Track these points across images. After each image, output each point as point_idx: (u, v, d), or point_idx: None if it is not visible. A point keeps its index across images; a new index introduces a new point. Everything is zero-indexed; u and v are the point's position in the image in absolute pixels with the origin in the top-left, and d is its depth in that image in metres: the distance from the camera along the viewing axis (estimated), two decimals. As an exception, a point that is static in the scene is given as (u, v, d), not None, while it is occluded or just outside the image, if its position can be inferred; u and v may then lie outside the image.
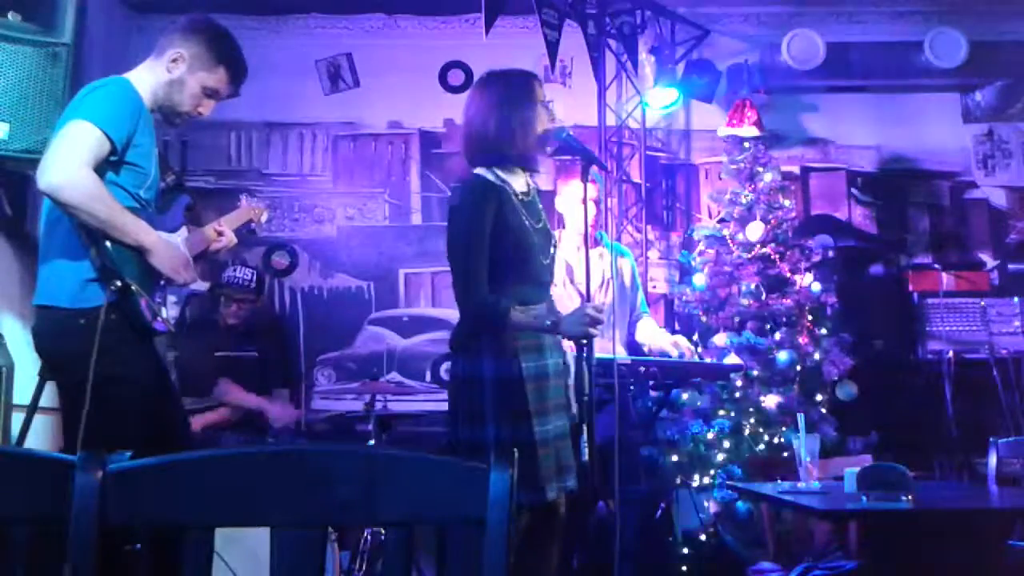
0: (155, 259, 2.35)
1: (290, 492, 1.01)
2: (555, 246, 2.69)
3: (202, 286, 2.69)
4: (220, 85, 2.52)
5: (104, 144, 2.25)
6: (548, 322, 2.50)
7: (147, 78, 2.48)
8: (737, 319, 4.69)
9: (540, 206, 2.68)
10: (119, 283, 2.23)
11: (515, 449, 2.38)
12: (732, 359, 4.42)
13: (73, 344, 2.22)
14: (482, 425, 2.46)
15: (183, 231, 2.57)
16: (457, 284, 2.54)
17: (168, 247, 2.40)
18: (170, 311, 2.48)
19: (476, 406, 2.48)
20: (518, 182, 2.61)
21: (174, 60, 2.46)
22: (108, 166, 2.30)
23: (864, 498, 2.52)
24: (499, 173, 2.57)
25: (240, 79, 2.57)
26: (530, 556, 2.55)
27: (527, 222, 2.56)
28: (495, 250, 2.50)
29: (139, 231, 2.31)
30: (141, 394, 2.35)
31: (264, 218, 3.05)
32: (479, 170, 2.59)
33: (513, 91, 2.58)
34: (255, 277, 4.30)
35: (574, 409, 2.58)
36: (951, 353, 4.92)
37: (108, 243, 2.25)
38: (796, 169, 5.59)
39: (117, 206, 2.27)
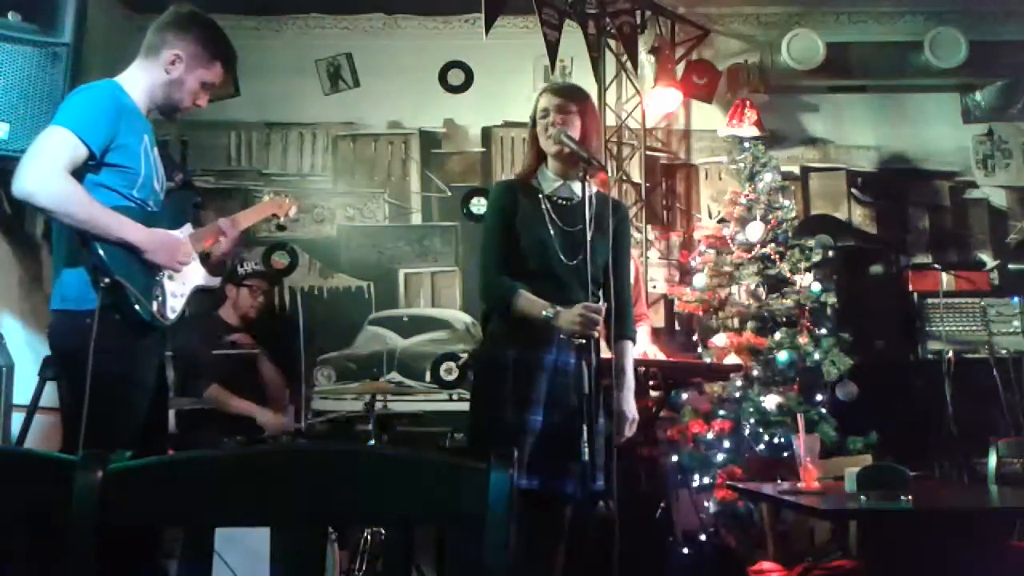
0: (149, 254, 2.37)
1: (290, 492, 1.01)
2: (590, 250, 2.67)
3: (213, 282, 2.68)
4: (216, 78, 2.57)
5: (79, 148, 2.27)
6: (544, 313, 2.54)
7: (142, 79, 2.48)
8: (737, 319, 4.69)
9: (587, 212, 2.61)
10: (108, 280, 2.25)
11: (490, 434, 2.49)
12: (732, 359, 4.42)
13: (80, 342, 2.23)
14: (473, 409, 2.71)
15: (188, 227, 2.58)
16: (479, 271, 2.78)
17: (157, 237, 2.41)
18: (170, 303, 2.48)
19: (473, 391, 2.76)
20: (551, 186, 2.77)
21: (172, 61, 2.47)
22: (89, 169, 2.32)
23: (864, 498, 2.52)
24: (539, 175, 2.80)
25: (233, 69, 2.63)
26: (534, 557, 2.56)
27: (549, 220, 2.70)
28: (513, 243, 2.69)
29: (123, 228, 2.32)
30: (141, 392, 2.36)
31: (293, 212, 3.04)
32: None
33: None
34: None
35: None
36: (951, 353, 4.92)
37: (98, 244, 2.27)
38: (796, 169, 5.59)
39: (97, 206, 2.28)
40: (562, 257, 2.67)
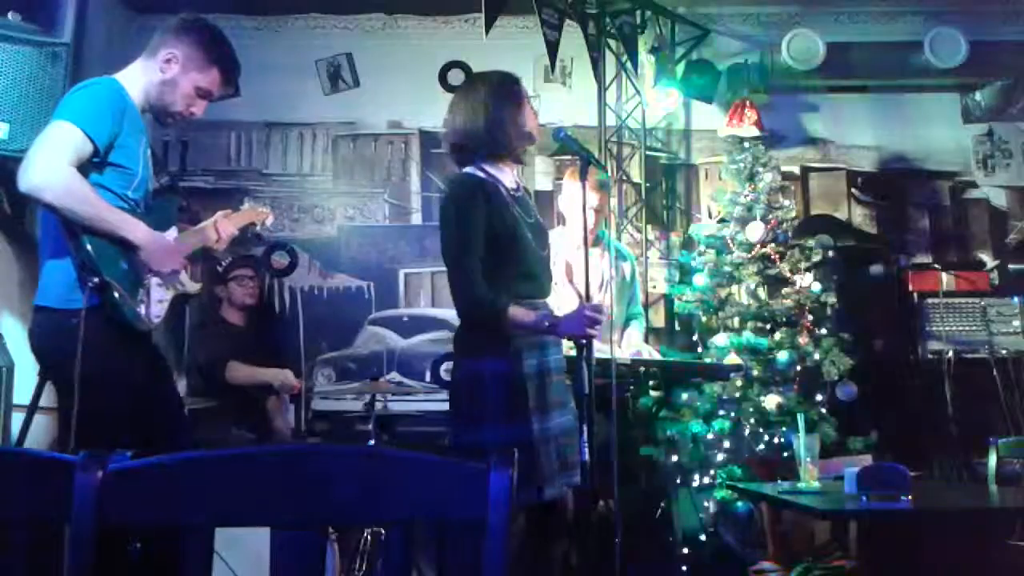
0: (145, 253, 2.36)
1: (290, 492, 1.01)
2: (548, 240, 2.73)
3: (193, 287, 2.67)
4: (212, 86, 2.53)
5: (85, 144, 2.25)
6: (547, 323, 2.50)
7: (139, 78, 2.47)
8: (737, 319, 4.69)
9: (531, 202, 2.72)
10: (96, 280, 2.23)
11: (515, 448, 2.45)
12: (732, 359, 4.42)
13: (65, 344, 2.20)
14: (482, 425, 2.47)
15: (173, 231, 2.57)
16: (452, 281, 2.55)
17: (158, 239, 2.40)
18: (154, 309, 2.47)
19: (477, 406, 2.49)
20: (507, 178, 2.64)
21: (167, 60, 2.46)
22: (91, 167, 2.30)
23: (864, 498, 2.52)
24: (488, 170, 2.60)
25: (233, 79, 2.59)
26: (533, 554, 2.56)
27: (520, 216, 2.59)
28: (490, 245, 2.52)
29: (127, 226, 2.31)
30: (130, 393, 2.33)
31: (269, 221, 3.05)
32: (468, 168, 2.62)
33: (499, 90, 2.61)
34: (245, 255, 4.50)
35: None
36: (951, 353, 4.92)
37: (87, 240, 2.25)
38: (796, 169, 5.59)
39: (102, 203, 2.27)
40: (538, 250, 2.63)
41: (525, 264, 2.58)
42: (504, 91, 2.60)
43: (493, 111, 2.56)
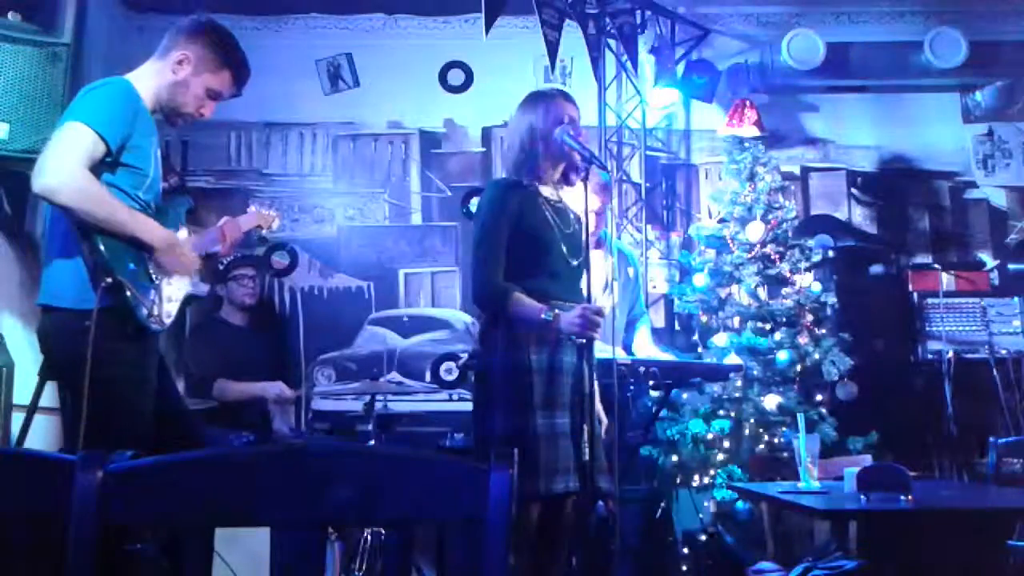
0: (160, 255, 2.36)
1: (290, 492, 1.01)
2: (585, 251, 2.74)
3: (202, 289, 2.68)
4: (224, 87, 2.54)
5: (98, 145, 2.25)
6: (544, 316, 2.52)
7: (150, 79, 2.47)
8: (737, 319, 4.69)
9: (571, 215, 2.81)
10: (110, 280, 2.22)
11: (518, 440, 2.47)
12: (732, 359, 4.42)
13: (77, 345, 2.20)
14: (491, 416, 2.57)
15: (183, 232, 2.57)
16: (472, 271, 2.70)
17: (171, 240, 2.41)
18: (166, 309, 2.47)
19: (488, 397, 2.61)
20: (546, 189, 2.77)
21: (179, 62, 2.46)
22: (104, 167, 2.29)
23: (864, 498, 2.52)
24: (529, 177, 2.75)
25: (243, 81, 2.60)
26: (540, 555, 2.57)
27: (552, 221, 2.71)
28: (515, 243, 2.65)
29: (142, 227, 2.31)
30: (140, 395, 2.34)
31: (276, 225, 3.09)
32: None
33: (540, 110, 2.74)
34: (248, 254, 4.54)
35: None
36: (951, 353, 4.91)
37: (100, 239, 2.24)
38: (796, 169, 5.59)
39: (117, 204, 2.27)
40: (568, 259, 2.70)
41: (550, 265, 2.67)
42: (535, 113, 2.73)
43: (525, 137, 2.73)
